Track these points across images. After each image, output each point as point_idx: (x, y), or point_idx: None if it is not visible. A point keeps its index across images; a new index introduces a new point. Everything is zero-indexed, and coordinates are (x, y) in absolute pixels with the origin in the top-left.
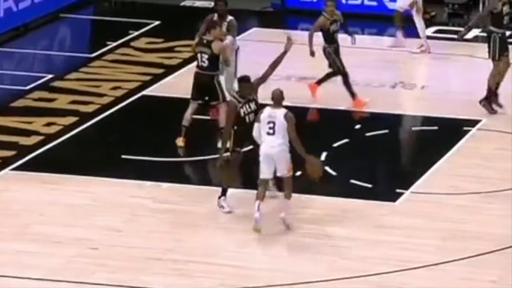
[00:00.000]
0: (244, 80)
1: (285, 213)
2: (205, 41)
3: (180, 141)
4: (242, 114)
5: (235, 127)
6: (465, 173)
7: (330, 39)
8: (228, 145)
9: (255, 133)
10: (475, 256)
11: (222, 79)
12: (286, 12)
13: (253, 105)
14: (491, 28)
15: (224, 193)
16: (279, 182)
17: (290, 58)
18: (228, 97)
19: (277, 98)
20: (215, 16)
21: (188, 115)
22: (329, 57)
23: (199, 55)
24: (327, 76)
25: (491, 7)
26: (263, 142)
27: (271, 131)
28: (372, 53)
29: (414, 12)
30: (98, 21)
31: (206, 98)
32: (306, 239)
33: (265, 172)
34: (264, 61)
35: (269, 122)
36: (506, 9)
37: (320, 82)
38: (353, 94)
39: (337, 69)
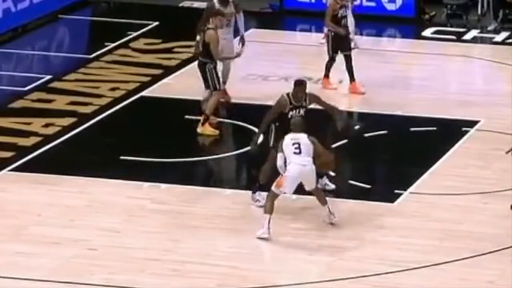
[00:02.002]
0: (298, 84)
1: (330, 216)
2: (205, 28)
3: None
4: (289, 116)
5: (278, 124)
6: (463, 173)
7: (336, 24)
8: (259, 136)
9: (279, 163)
10: (472, 257)
11: (219, 69)
12: (285, 13)
13: (302, 111)
14: None
15: (260, 188)
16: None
17: (289, 58)
18: (220, 87)
19: (298, 125)
20: (216, 3)
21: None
22: (327, 41)
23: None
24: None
25: None
26: (291, 163)
27: (297, 150)
28: (371, 53)
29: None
30: (96, 22)
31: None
32: (304, 239)
33: (290, 190)
34: (263, 62)
35: (294, 144)
36: None
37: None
38: (327, 75)
39: (327, 50)
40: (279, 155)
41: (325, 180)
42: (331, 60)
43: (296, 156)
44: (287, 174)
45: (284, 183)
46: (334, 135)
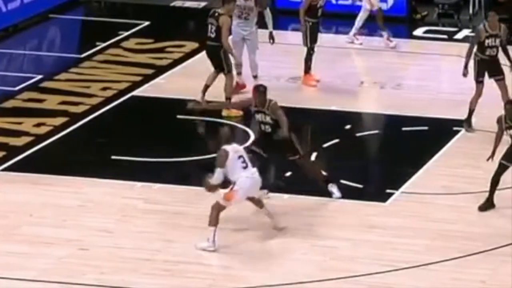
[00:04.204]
0: (258, 89)
1: (269, 214)
2: (216, 14)
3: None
4: (256, 118)
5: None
6: (455, 173)
7: (313, 14)
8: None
9: (220, 178)
10: (464, 256)
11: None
12: (276, 13)
13: (268, 118)
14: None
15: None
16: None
17: (281, 58)
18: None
19: (228, 137)
20: None
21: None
22: (305, 32)
23: (209, 26)
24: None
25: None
26: (241, 177)
27: (244, 164)
28: (361, 53)
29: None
30: (87, 21)
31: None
32: (296, 239)
33: (241, 199)
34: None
35: (239, 157)
36: (490, 42)
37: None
38: (307, 69)
39: (304, 42)
40: (218, 170)
41: (334, 187)
42: (310, 52)
43: (244, 170)
44: (238, 189)
45: (234, 198)
46: (326, 134)
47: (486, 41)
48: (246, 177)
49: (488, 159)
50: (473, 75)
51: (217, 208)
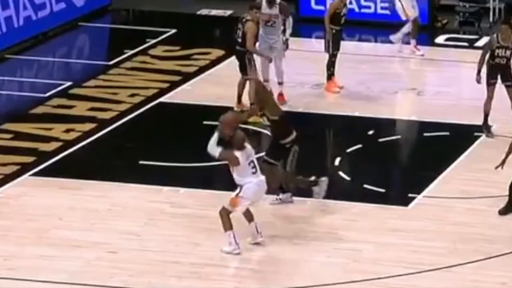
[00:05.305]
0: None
1: (257, 235)
2: (243, 20)
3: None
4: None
5: None
6: (476, 177)
7: (337, 21)
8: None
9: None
10: (485, 259)
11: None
12: (300, 21)
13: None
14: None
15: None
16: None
17: (305, 65)
18: (254, 76)
19: (242, 141)
20: (263, 2)
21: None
22: (328, 38)
23: (237, 31)
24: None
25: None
26: (250, 183)
27: (254, 169)
28: (385, 60)
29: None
30: (115, 29)
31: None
32: (320, 242)
33: (246, 206)
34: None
35: (250, 163)
36: (500, 52)
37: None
38: (330, 76)
39: (326, 50)
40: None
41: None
42: (332, 58)
43: (254, 176)
44: (244, 196)
45: (240, 205)
46: (349, 140)
47: (497, 51)
48: (254, 184)
49: (497, 167)
50: (485, 79)
51: (225, 213)
